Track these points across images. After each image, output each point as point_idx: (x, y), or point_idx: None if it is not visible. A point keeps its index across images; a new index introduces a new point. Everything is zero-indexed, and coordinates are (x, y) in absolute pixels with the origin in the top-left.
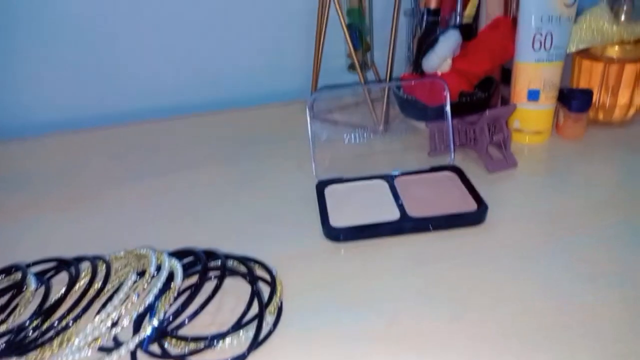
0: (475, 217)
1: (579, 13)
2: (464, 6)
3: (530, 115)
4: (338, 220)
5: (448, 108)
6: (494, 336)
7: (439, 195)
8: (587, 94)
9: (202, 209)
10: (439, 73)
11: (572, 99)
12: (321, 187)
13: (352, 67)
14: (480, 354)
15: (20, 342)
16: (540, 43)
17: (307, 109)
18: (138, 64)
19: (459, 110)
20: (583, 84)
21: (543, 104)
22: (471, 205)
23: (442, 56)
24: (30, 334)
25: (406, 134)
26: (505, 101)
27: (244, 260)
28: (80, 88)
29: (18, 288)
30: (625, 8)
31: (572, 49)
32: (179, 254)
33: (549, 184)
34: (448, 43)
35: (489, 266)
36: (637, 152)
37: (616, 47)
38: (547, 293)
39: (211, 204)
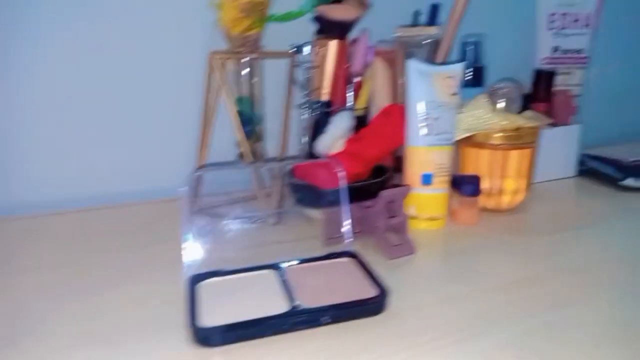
0: (376, 305)
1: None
2: (356, 99)
3: (426, 200)
4: (211, 320)
5: (344, 186)
6: None
7: (335, 283)
8: (476, 179)
9: (51, 315)
10: (330, 152)
11: (463, 184)
12: (193, 282)
13: (242, 156)
14: None
15: None
16: (430, 128)
17: (182, 199)
18: None
19: (353, 196)
20: (471, 171)
21: (437, 188)
22: (370, 292)
23: (334, 136)
24: None
25: (301, 225)
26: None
27: None
28: None
29: None
30: (501, 102)
31: (458, 137)
32: None
33: (447, 271)
34: (340, 123)
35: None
36: (529, 236)
37: (498, 135)
38: None
39: (61, 308)
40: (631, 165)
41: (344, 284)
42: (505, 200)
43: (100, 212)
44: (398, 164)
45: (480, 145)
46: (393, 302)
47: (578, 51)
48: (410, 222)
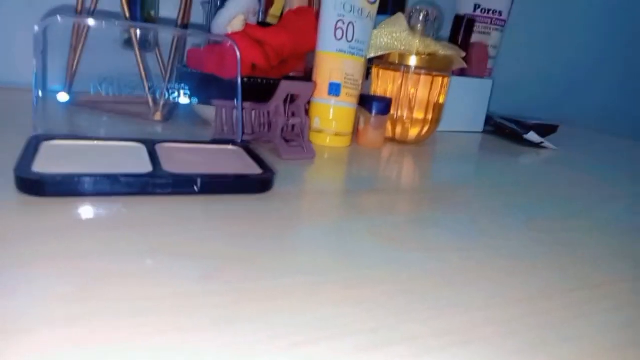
0: (260, 182)
1: (376, 24)
2: (269, 4)
3: (332, 112)
4: (47, 168)
5: (238, 71)
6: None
7: (215, 161)
8: (387, 99)
9: None
10: (229, 31)
11: (374, 101)
12: (37, 140)
13: (128, 43)
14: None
15: None
16: (343, 32)
17: (34, 40)
18: None
19: (252, 94)
20: (381, 94)
21: (344, 101)
22: (256, 171)
23: (233, 11)
24: None
25: (190, 127)
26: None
27: None
28: None
29: None
30: (420, 23)
31: (372, 54)
32: None
33: (341, 180)
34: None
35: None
36: (434, 161)
37: (413, 57)
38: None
39: None
40: (533, 125)
41: (226, 163)
42: (413, 132)
43: None
44: (308, 76)
45: (393, 67)
46: (280, 188)
47: (499, 12)
48: (313, 137)
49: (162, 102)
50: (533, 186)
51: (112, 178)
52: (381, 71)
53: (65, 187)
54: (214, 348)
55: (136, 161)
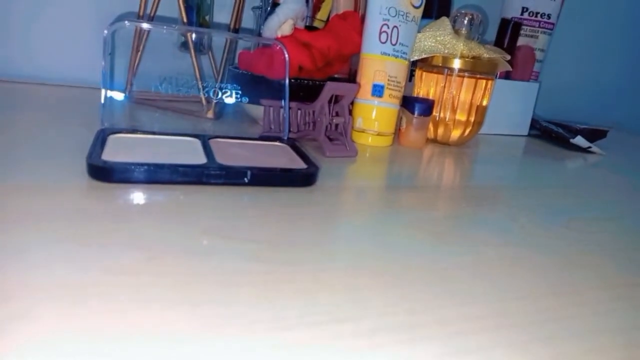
0: (305, 176)
1: (420, 28)
2: (316, 10)
3: (374, 113)
4: (115, 154)
5: (287, 75)
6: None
7: (264, 156)
8: (429, 101)
9: None
10: (279, 35)
11: (417, 102)
12: (105, 133)
13: (184, 45)
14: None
15: None
16: (387, 35)
17: (103, 43)
18: None
19: (298, 95)
20: (423, 96)
21: (387, 102)
22: (301, 165)
23: (283, 17)
24: None
25: (241, 124)
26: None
27: None
28: None
29: None
30: (465, 27)
31: (415, 56)
32: None
33: (382, 177)
34: (291, 4)
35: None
36: (476, 162)
37: (457, 60)
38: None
39: None
40: (581, 130)
41: (274, 158)
42: (455, 133)
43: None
44: (352, 78)
45: (436, 69)
46: (323, 184)
47: (547, 15)
48: (355, 136)
49: (214, 101)
50: (576, 189)
51: (172, 168)
52: (424, 74)
53: (130, 175)
54: (250, 321)
55: (192, 154)
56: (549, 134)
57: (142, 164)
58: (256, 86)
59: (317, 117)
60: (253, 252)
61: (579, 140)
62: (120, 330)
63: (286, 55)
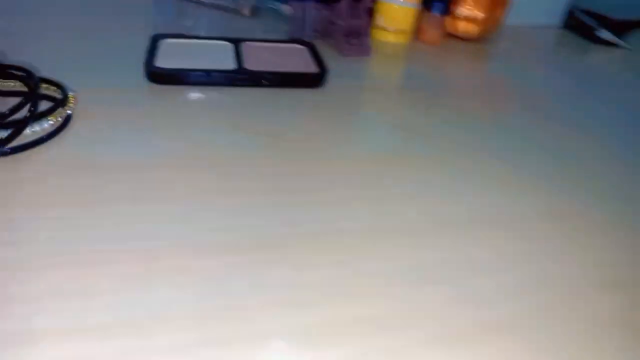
0: (314, 79)
1: None
2: None
3: (395, 12)
4: (166, 64)
5: None
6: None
7: (283, 59)
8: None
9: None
10: None
11: (434, 2)
12: (156, 39)
13: None
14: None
15: None
16: None
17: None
18: None
19: None
20: None
21: (408, 2)
22: (313, 69)
23: None
24: None
25: (273, 22)
26: None
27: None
28: None
29: None
30: None
31: None
32: None
33: (394, 77)
34: None
35: (321, 124)
36: (494, 62)
37: None
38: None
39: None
40: (619, 22)
41: (291, 60)
42: (473, 28)
43: None
44: None
45: None
46: (334, 83)
47: None
48: (376, 33)
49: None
50: (584, 88)
51: (207, 73)
52: None
53: (177, 78)
54: (260, 193)
55: (225, 58)
56: (578, 25)
57: (185, 70)
58: None
59: (336, 20)
60: (265, 141)
61: (605, 34)
62: (168, 196)
63: None
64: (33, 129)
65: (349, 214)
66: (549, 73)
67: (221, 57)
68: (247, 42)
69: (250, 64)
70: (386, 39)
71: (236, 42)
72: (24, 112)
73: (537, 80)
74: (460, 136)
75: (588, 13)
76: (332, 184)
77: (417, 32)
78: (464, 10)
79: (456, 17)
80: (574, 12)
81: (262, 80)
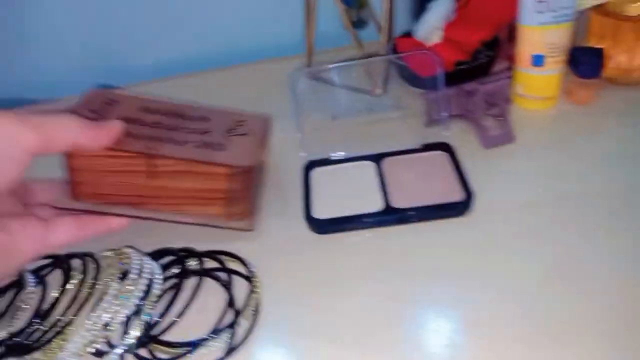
0: (461, 208)
1: None
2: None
3: (535, 81)
4: (322, 210)
5: (441, 83)
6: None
7: (425, 181)
8: (597, 55)
9: None
10: (429, 44)
11: (581, 64)
12: (308, 168)
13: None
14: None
15: (18, 345)
16: (546, 4)
17: (292, 89)
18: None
19: (457, 77)
20: (596, 43)
21: (549, 69)
22: (458, 194)
23: (431, 25)
24: (29, 337)
25: (404, 99)
26: (511, 61)
27: (220, 259)
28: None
29: (17, 287)
30: None
31: (587, 4)
32: (158, 254)
33: (549, 161)
34: (438, 11)
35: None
36: None
37: (634, 4)
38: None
39: None
40: None
41: (433, 182)
42: (634, 76)
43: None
44: (512, 33)
45: (612, 14)
46: (482, 200)
47: None
48: (517, 101)
49: (381, 79)
50: None
51: (357, 219)
52: (598, 18)
53: (334, 228)
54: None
55: (370, 192)
56: None
57: (342, 220)
58: (411, 73)
59: (473, 113)
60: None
61: None
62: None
63: (438, 61)
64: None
65: None
66: None
67: (367, 188)
68: (388, 159)
69: (395, 197)
70: (526, 107)
71: (377, 159)
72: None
73: None
74: None
75: None
76: None
77: (565, 90)
78: (620, 58)
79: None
80: None
81: (410, 219)
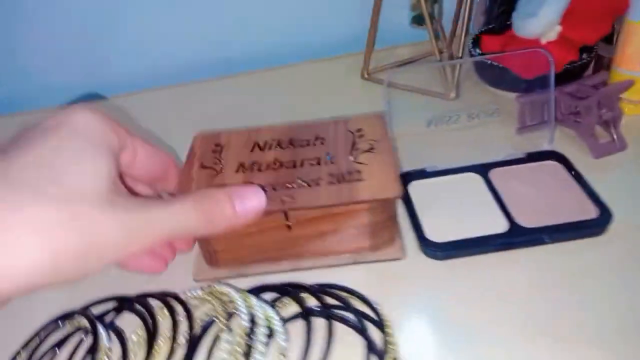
0: (598, 227)
1: None
2: None
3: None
4: (435, 231)
5: (552, 84)
6: None
7: (548, 196)
8: None
9: None
10: (543, 41)
11: None
12: (404, 183)
13: (416, 20)
14: None
15: None
16: None
17: (384, 91)
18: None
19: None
20: None
21: None
22: (591, 210)
23: (548, 21)
24: None
25: (482, 102)
26: (602, 63)
27: (339, 295)
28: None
29: (93, 344)
30: None
31: None
32: (257, 291)
33: None
34: (557, 2)
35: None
36: None
37: None
38: None
39: None
40: None
41: (559, 197)
42: None
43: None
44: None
45: None
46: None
47: None
48: (626, 105)
49: (455, 82)
50: None
51: (483, 241)
52: None
53: (455, 253)
54: None
55: (488, 213)
56: None
57: (464, 243)
58: (499, 73)
59: (582, 115)
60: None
61: None
62: None
63: (551, 60)
64: None
65: None
66: None
67: (481, 205)
68: (494, 170)
69: (519, 215)
70: (632, 113)
71: (482, 171)
72: None
73: None
74: None
75: None
76: None
77: None
78: None
79: None
80: None
81: (543, 240)
